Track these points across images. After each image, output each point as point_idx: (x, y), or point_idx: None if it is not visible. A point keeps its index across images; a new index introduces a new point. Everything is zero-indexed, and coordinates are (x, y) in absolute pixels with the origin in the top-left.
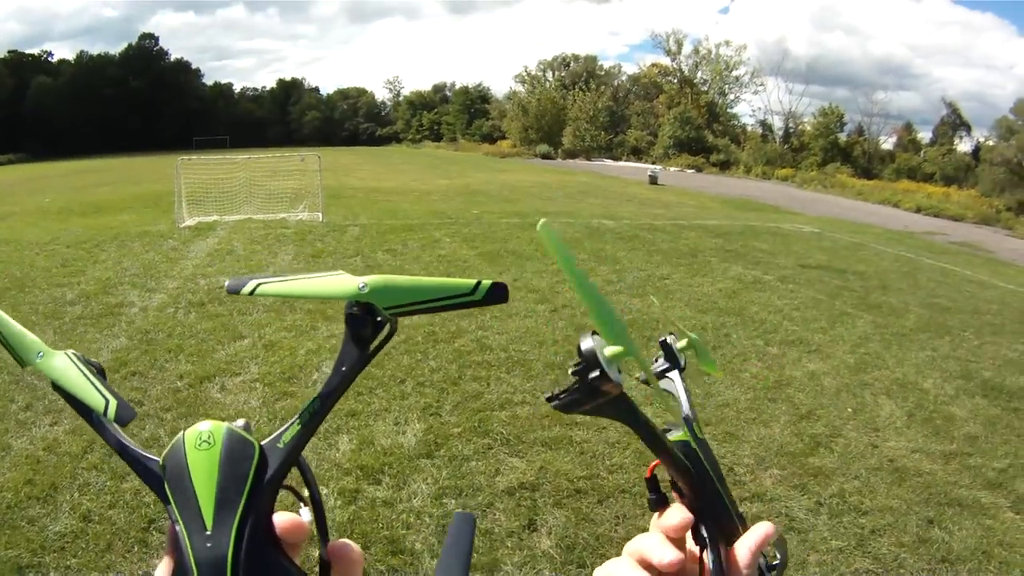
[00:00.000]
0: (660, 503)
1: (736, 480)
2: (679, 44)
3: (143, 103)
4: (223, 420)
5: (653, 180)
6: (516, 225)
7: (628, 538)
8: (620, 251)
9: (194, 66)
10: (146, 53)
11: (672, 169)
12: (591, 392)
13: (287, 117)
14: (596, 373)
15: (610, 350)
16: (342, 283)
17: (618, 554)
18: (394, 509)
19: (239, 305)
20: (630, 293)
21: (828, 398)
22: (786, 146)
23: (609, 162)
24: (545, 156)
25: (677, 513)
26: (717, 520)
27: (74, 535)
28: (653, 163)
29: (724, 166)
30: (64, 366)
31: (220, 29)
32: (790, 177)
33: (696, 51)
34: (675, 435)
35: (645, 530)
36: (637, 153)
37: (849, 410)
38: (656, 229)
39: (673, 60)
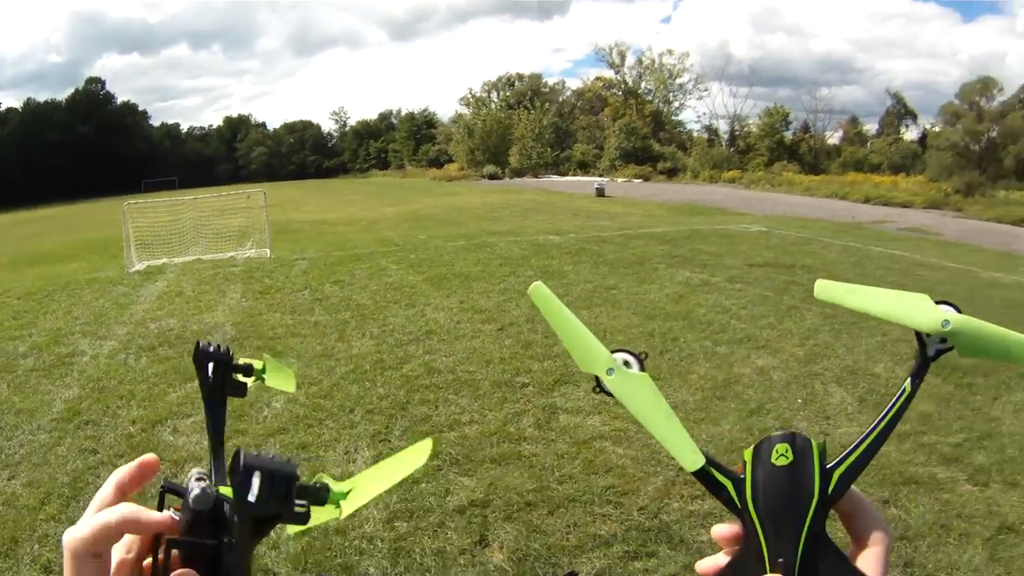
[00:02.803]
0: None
1: (687, 479)
2: (622, 56)
3: (91, 148)
4: (175, 461)
5: (600, 193)
6: (463, 247)
7: (580, 546)
8: (566, 265)
9: (141, 108)
10: (93, 98)
11: (619, 180)
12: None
13: (234, 154)
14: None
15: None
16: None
17: (570, 564)
18: (346, 537)
19: (189, 347)
20: (577, 306)
21: (778, 391)
22: (732, 149)
23: (556, 178)
24: (492, 177)
25: (720, 530)
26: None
27: None
28: (600, 176)
29: (671, 173)
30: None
31: (165, 69)
32: (737, 179)
33: (640, 62)
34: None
35: (598, 536)
36: (584, 167)
37: (799, 401)
38: (603, 241)
39: (617, 72)
